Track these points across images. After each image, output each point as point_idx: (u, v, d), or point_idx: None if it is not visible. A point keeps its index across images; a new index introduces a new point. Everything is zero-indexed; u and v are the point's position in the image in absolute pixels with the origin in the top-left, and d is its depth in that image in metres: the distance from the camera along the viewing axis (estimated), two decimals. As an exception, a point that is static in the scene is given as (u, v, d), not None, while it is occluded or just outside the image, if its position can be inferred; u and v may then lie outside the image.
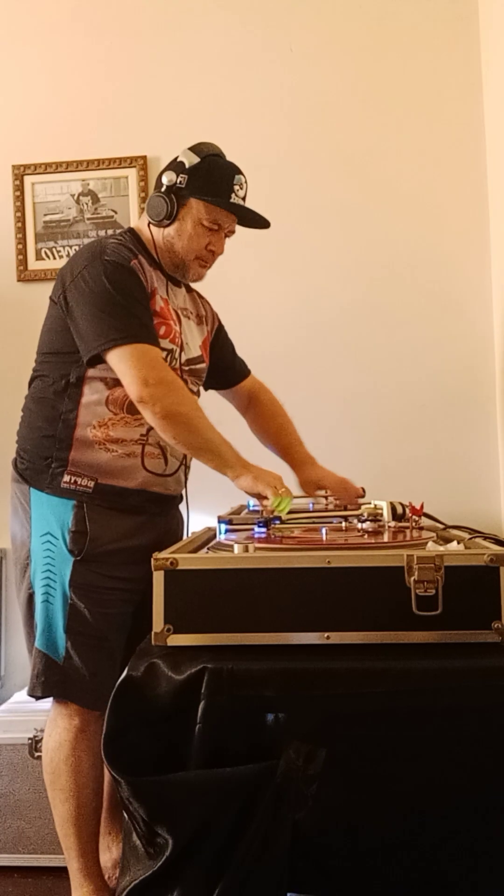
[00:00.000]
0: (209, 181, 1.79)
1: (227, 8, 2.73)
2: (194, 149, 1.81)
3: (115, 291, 1.71)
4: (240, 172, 1.83)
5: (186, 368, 1.89)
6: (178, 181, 1.79)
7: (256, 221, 1.86)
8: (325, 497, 1.92)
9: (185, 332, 1.91)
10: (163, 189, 1.80)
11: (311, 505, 1.89)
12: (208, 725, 1.17)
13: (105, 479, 1.77)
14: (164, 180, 1.80)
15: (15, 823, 2.13)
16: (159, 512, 1.87)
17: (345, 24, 2.70)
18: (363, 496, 1.93)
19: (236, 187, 1.81)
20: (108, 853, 1.96)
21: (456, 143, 2.66)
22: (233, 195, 1.81)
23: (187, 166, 1.79)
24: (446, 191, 2.66)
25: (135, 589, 1.79)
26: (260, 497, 1.68)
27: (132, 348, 1.69)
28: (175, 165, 1.81)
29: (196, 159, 1.79)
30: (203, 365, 1.98)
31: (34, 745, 2.11)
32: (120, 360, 1.70)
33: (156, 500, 1.84)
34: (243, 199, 1.84)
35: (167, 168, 1.82)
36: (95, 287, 1.72)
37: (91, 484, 1.76)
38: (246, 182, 1.84)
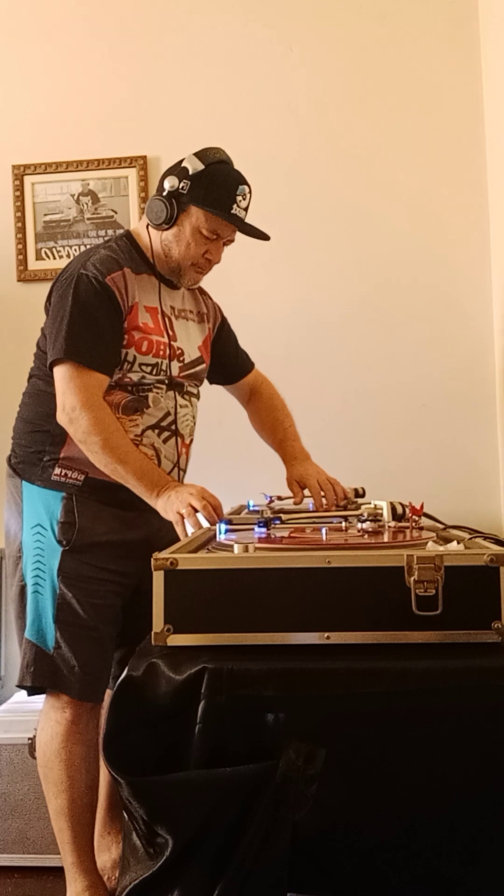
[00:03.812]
0: (211, 190, 1.76)
1: (226, 8, 2.72)
2: (199, 155, 1.77)
3: (78, 308, 1.73)
4: (244, 182, 1.79)
5: (183, 374, 1.89)
6: (179, 186, 1.76)
7: (256, 233, 1.83)
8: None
9: (183, 334, 1.90)
10: (164, 193, 1.78)
11: (310, 505, 1.89)
12: (208, 725, 1.17)
13: (95, 474, 1.77)
14: (167, 185, 1.77)
15: (15, 823, 2.13)
16: (151, 509, 1.87)
17: (345, 24, 2.69)
18: (346, 500, 1.86)
19: (238, 198, 1.77)
20: (108, 853, 1.96)
21: (456, 143, 2.65)
22: (234, 206, 1.77)
23: (190, 172, 1.76)
24: (446, 191, 2.66)
25: (125, 583, 1.80)
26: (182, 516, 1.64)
27: (68, 367, 1.71)
28: (178, 170, 1.78)
29: (200, 166, 1.76)
30: (203, 366, 1.98)
31: (34, 744, 2.11)
32: (57, 378, 1.73)
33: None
34: (246, 209, 1.80)
35: (170, 171, 1.79)
36: (62, 299, 1.75)
37: (81, 477, 1.78)
38: (250, 192, 1.80)
